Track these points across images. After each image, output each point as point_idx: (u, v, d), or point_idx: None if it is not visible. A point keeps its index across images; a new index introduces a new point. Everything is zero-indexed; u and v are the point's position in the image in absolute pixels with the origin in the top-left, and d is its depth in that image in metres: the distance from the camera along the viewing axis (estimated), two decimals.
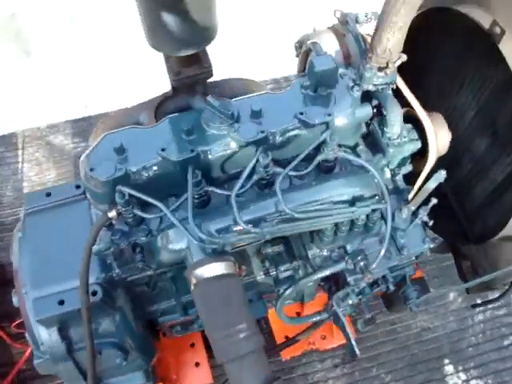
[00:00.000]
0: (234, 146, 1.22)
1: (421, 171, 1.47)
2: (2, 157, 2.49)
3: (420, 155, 1.45)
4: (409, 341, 2.10)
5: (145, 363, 1.57)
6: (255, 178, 1.23)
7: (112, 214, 1.20)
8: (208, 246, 1.10)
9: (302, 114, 1.23)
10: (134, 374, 1.58)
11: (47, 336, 1.36)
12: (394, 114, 1.29)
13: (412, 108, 1.43)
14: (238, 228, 1.11)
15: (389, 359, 2.08)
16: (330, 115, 1.24)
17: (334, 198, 1.20)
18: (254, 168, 1.22)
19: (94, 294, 1.32)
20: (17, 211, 2.35)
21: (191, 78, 1.38)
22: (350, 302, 1.34)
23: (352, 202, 1.21)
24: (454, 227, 1.68)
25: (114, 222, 1.24)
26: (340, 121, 1.27)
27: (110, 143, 1.22)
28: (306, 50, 1.48)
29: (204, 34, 1.24)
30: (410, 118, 1.45)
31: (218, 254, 1.11)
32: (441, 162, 1.50)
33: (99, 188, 1.20)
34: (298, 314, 1.69)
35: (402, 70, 1.46)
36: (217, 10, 1.24)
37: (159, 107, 1.46)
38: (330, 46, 1.53)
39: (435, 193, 1.32)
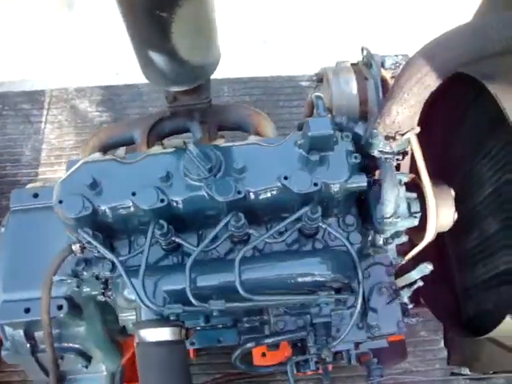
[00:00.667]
0: (207, 200, 1.15)
1: (417, 244, 1.37)
2: (28, 114, 2.51)
3: (420, 227, 1.34)
4: (387, 381, 2.04)
5: (108, 368, 1.60)
6: (226, 235, 1.18)
7: (76, 247, 1.19)
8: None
9: (286, 178, 1.14)
10: (97, 376, 1.62)
11: (12, 335, 1.40)
12: (389, 193, 1.17)
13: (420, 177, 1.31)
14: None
15: None
16: (316, 185, 1.14)
17: (302, 277, 1.13)
18: (227, 224, 1.16)
19: (60, 308, 1.34)
20: (32, 172, 2.38)
21: (187, 106, 1.31)
22: (307, 370, 1.29)
23: (320, 285, 1.14)
24: (448, 298, 1.58)
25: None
26: (328, 189, 1.17)
27: (85, 174, 1.17)
28: (310, 101, 1.35)
29: (197, 72, 1.15)
30: (416, 187, 1.34)
31: (164, 319, 1.08)
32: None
33: (67, 220, 1.17)
34: (263, 354, 1.65)
35: (429, 123, 1.34)
36: (214, 48, 1.14)
37: (154, 127, 1.40)
38: (348, 87, 1.40)
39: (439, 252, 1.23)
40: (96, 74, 2.57)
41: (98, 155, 1.36)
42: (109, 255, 1.11)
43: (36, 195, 1.47)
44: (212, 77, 2.48)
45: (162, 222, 1.13)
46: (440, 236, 1.56)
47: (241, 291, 1.05)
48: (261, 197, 1.16)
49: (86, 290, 1.33)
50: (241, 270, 1.10)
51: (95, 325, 1.47)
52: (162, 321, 1.07)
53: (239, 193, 1.13)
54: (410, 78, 1.04)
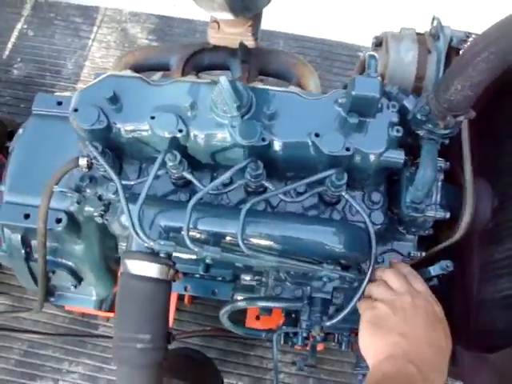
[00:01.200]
0: (229, 140, 1.07)
1: (442, 241, 1.26)
2: (77, 28, 2.45)
3: (449, 222, 1.23)
4: None
5: (98, 294, 1.57)
6: (240, 182, 1.09)
7: (82, 161, 1.13)
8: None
9: (317, 135, 1.04)
10: (86, 298, 1.59)
11: (10, 239, 1.37)
12: (425, 177, 1.06)
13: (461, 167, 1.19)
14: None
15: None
16: (348, 149, 1.03)
17: (310, 245, 1.04)
18: (243, 170, 1.08)
19: (59, 221, 1.30)
20: (70, 86, 2.34)
21: (232, 40, 1.21)
22: (294, 342, 1.22)
23: (327, 257, 1.05)
24: (460, 306, 1.46)
25: None
26: (360, 158, 1.07)
27: (107, 87, 1.11)
28: (363, 60, 1.23)
29: (246, 1, 1.04)
30: (456, 178, 1.22)
31: (155, 254, 1.01)
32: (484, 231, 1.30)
33: (79, 130, 1.11)
34: (258, 317, 1.59)
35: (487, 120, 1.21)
36: None
37: (193, 57, 1.31)
38: (408, 56, 1.27)
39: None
40: (153, 1, 2.48)
41: (128, 72, 1.29)
42: (112, 175, 1.04)
43: (60, 103, 1.42)
44: (269, 28, 2.39)
45: (175, 152, 1.06)
46: (467, 240, 1.44)
47: (241, 243, 0.97)
48: (286, 149, 1.06)
49: (88, 209, 1.28)
50: (246, 222, 1.01)
51: (92, 247, 1.43)
52: (151, 255, 1.00)
53: (263, 140, 1.03)
54: (479, 52, 0.91)
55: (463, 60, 0.96)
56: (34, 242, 1.38)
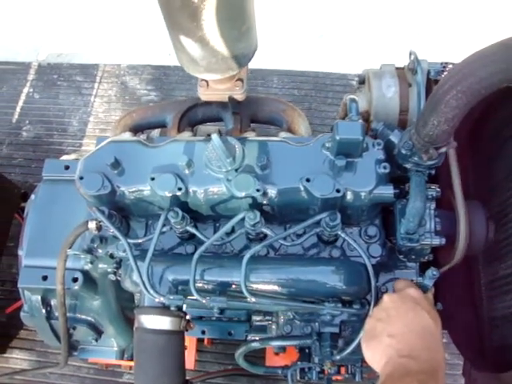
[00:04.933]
0: (226, 193, 1.13)
1: (443, 264, 1.30)
2: (79, 86, 2.57)
3: (448, 247, 1.27)
4: None
5: (119, 344, 1.63)
6: (241, 231, 1.15)
7: (92, 224, 1.20)
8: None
9: (308, 180, 1.10)
10: (108, 350, 1.64)
11: (30, 300, 1.44)
12: (415, 208, 1.10)
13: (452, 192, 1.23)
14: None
15: None
16: (338, 191, 1.09)
17: (312, 285, 1.09)
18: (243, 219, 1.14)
19: (75, 280, 1.36)
20: (77, 143, 2.44)
21: (221, 95, 1.28)
22: (309, 377, 1.26)
23: (330, 295, 1.09)
24: (471, 325, 1.49)
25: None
26: (352, 197, 1.12)
27: (108, 153, 1.18)
28: (345, 102, 1.29)
29: (229, 62, 1.12)
30: (449, 204, 1.26)
31: (166, 307, 1.07)
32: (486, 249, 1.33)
33: (86, 196, 1.19)
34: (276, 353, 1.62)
35: (475, 140, 1.25)
36: (249, 39, 1.10)
37: (187, 113, 1.39)
38: (389, 92, 1.33)
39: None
40: (149, 53, 2.59)
41: (127, 135, 1.37)
42: (120, 237, 1.11)
43: (67, 167, 1.49)
44: (262, 67, 2.48)
45: (176, 209, 1.12)
46: (473, 259, 1.47)
47: (245, 292, 1.02)
48: (281, 196, 1.12)
49: (101, 266, 1.35)
50: (249, 270, 1.07)
51: (109, 300, 1.49)
52: (163, 309, 1.06)
53: (258, 190, 1.09)
54: (450, 89, 0.97)
55: (435, 98, 1.02)
56: (53, 301, 1.45)
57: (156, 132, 1.54)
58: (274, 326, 1.31)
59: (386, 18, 2.67)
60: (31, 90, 2.58)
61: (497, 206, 1.40)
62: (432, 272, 1.11)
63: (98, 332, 1.54)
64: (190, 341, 1.88)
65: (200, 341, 1.89)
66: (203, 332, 1.63)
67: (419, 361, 0.96)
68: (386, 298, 1.06)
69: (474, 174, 1.48)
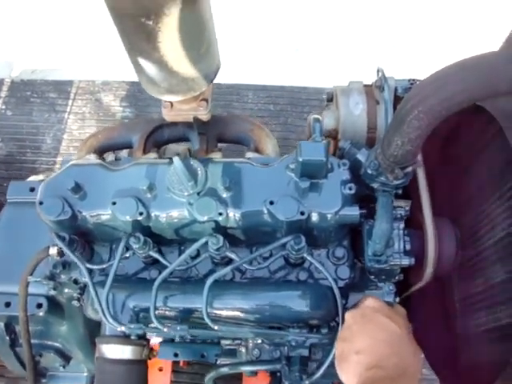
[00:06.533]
0: (188, 217, 1.10)
1: (415, 283, 1.28)
2: (53, 103, 2.53)
3: (418, 266, 1.25)
4: None
5: (89, 369, 1.59)
6: (205, 255, 1.13)
7: (53, 251, 1.16)
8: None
9: (271, 203, 1.08)
10: (78, 375, 1.60)
11: None
12: (381, 229, 1.09)
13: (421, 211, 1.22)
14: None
15: None
16: (302, 213, 1.07)
17: (277, 311, 1.06)
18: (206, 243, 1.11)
19: (40, 306, 1.33)
20: (51, 161, 2.40)
21: (185, 116, 1.26)
22: None
23: (296, 320, 1.07)
24: (446, 344, 1.47)
25: None
26: (317, 219, 1.10)
27: (69, 177, 1.15)
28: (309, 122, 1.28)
29: (190, 84, 1.09)
30: (418, 223, 1.25)
31: (126, 336, 1.04)
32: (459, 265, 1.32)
33: (47, 221, 1.15)
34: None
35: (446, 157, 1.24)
36: (209, 60, 1.08)
37: (153, 133, 1.36)
38: (357, 109, 1.32)
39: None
40: (124, 69, 2.56)
41: (92, 157, 1.34)
42: (78, 264, 1.08)
43: (33, 189, 1.46)
44: (237, 81, 2.47)
45: (138, 234, 1.09)
46: (447, 275, 1.46)
47: (206, 319, 0.99)
48: (244, 219, 1.10)
49: (67, 291, 1.31)
50: (212, 296, 1.04)
51: (77, 325, 1.45)
52: (124, 338, 1.03)
53: (221, 214, 1.07)
54: (411, 110, 0.96)
55: (398, 118, 1.01)
56: (18, 328, 1.41)
57: (124, 152, 1.52)
58: (243, 350, 1.28)
59: (362, 32, 2.68)
60: (3, 106, 2.54)
61: (469, 221, 1.39)
62: (389, 287, 1.11)
63: (65, 358, 1.50)
64: (165, 362, 1.85)
65: (175, 362, 1.85)
66: (176, 354, 1.60)
67: (387, 368, 0.95)
68: (347, 316, 1.05)
69: (447, 186, 1.47)
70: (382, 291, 1.25)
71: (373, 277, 1.25)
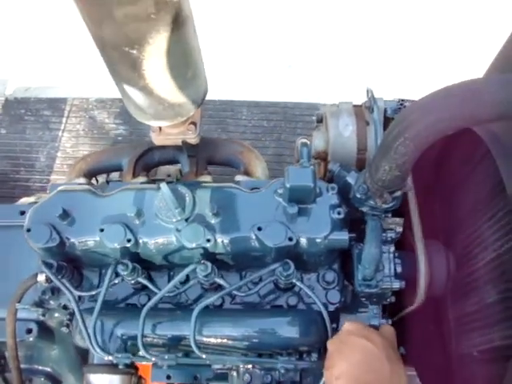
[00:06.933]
0: (176, 243, 1.10)
1: (408, 305, 1.27)
2: (47, 120, 2.53)
3: (410, 288, 1.24)
4: None
5: None
6: (192, 282, 1.12)
7: (41, 278, 1.15)
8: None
9: (260, 229, 1.07)
10: None
11: None
12: (371, 253, 1.08)
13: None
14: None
15: None
16: (291, 239, 1.06)
17: (266, 338, 1.05)
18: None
19: (30, 331, 1.31)
20: (44, 179, 2.40)
21: (174, 140, 1.26)
22: None
23: (286, 347, 1.06)
24: (441, 364, 1.46)
25: None
26: (306, 244, 1.10)
27: (56, 203, 1.14)
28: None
29: (176, 110, 1.10)
30: (409, 245, 1.24)
31: (115, 365, 1.02)
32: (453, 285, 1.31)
33: (35, 248, 1.15)
34: None
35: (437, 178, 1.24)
36: (195, 86, 1.08)
37: (142, 156, 1.36)
38: (346, 131, 1.32)
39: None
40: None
41: (82, 180, 1.34)
42: (65, 291, 1.07)
43: (23, 213, 1.45)
44: (231, 98, 2.47)
45: (126, 261, 1.09)
46: (441, 296, 1.45)
47: (194, 348, 0.98)
48: (232, 245, 1.09)
49: (57, 315, 1.30)
50: (201, 323, 1.03)
51: (68, 349, 1.43)
52: (111, 367, 1.02)
53: (208, 240, 1.06)
54: (398, 136, 0.95)
55: (385, 144, 1.00)
56: (7, 354, 1.39)
57: (115, 174, 1.51)
58: (234, 374, 1.27)
59: (354, 49, 2.69)
60: None
61: (461, 241, 1.39)
62: (373, 311, 1.10)
63: (56, 383, 1.48)
64: None
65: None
66: (168, 377, 1.58)
67: None
68: (328, 345, 1.04)
69: (440, 205, 1.47)
70: (368, 315, 1.25)
71: (364, 299, 1.24)
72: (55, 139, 2.49)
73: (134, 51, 0.90)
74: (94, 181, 1.51)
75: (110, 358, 1.00)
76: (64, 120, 2.53)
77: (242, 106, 2.49)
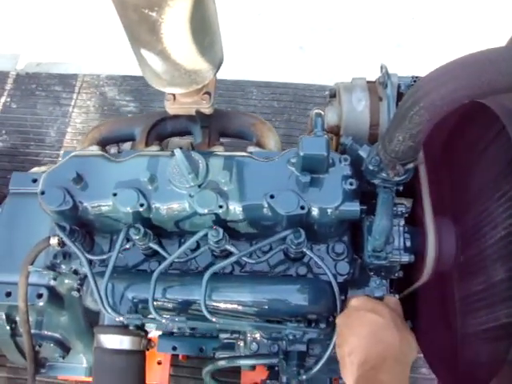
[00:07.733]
0: (189, 209, 1.11)
1: (415, 281, 1.28)
2: (58, 96, 2.54)
3: (418, 264, 1.25)
4: None
5: (89, 360, 1.59)
6: (203, 249, 1.13)
7: (53, 241, 1.17)
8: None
9: (272, 197, 1.08)
10: (77, 366, 1.61)
11: None
12: (381, 225, 1.09)
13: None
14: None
15: None
16: (303, 208, 1.07)
17: (275, 305, 1.06)
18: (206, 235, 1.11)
19: (40, 296, 1.33)
20: (54, 154, 2.41)
21: (188, 109, 1.26)
22: None
23: (294, 315, 1.07)
24: (446, 343, 1.47)
25: None
26: (317, 213, 1.11)
27: (70, 168, 1.15)
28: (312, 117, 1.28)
29: (192, 76, 1.10)
30: (419, 220, 1.25)
31: (125, 326, 1.04)
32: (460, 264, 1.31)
33: (48, 211, 1.16)
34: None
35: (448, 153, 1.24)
36: (212, 53, 1.08)
37: (155, 126, 1.37)
38: (360, 106, 1.32)
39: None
40: (129, 63, 2.57)
41: (95, 148, 1.35)
42: (78, 254, 1.08)
43: (35, 180, 1.47)
44: (241, 78, 2.47)
45: (138, 225, 1.10)
46: (448, 273, 1.45)
47: (204, 311, 1.00)
48: (244, 213, 1.10)
49: (67, 281, 1.31)
50: (211, 288, 1.05)
51: (78, 316, 1.45)
52: (122, 328, 1.03)
53: (221, 207, 1.07)
54: (413, 106, 0.96)
55: (399, 113, 1.00)
56: (18, 318, 1.41)
57: (127, 145, 1.52)
58: (241, 344, 1.29)
59: (366, 30, 2.67)
60: (8, 99, 2.55)
61: (471, 219, 1.39)
62: (375, 282, 1.11)
63: (65, 349, 1.50)
64: (164, 355, 1.85)
65: (175, 355, 1.85)
66: (174, 348, 1.60)
67: (372, 359, 0.97)
68: (337, 322, 1.06)
69: (449, 186, 1.47)
70: (371, 288, 1.26)
71: (372, 273, 1.25)
72: (65, 115, 2.49)
73: (154, 13, 0.90)
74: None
75: (121, 318, 1.01)
76: (74, 96, 2.53)
77: (253, 86, 2.49)
